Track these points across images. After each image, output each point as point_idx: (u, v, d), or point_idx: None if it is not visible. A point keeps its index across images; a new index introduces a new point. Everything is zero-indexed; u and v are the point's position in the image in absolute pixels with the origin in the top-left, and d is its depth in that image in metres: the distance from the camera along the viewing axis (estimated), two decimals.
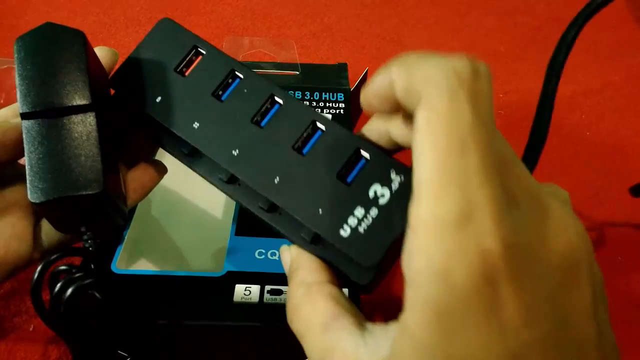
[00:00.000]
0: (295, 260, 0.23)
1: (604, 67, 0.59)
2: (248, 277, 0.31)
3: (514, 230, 0.16)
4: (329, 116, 0.43)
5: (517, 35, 0.64)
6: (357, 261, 0.21)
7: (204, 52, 0.26)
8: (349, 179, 0.22)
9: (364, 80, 0.49)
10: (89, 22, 0.64)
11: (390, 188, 0.21)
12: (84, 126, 0.23)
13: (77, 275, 0.25)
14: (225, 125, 0.24)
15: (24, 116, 0.23)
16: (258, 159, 0.23)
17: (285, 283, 0.23)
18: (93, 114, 0.23)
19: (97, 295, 0.25)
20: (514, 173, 0.17)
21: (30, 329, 0.36)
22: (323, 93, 0.45)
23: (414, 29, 0.65)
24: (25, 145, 0.23)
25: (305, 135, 0.23)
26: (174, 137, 0.25)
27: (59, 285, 0.24)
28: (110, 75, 0.26)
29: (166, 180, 0.30)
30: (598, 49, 0.60)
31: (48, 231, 0.26)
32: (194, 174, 0.26)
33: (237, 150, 0.24)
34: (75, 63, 0.23)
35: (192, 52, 0.26)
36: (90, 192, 0.22)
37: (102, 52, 0.26)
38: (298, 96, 0.45)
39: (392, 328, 0.18)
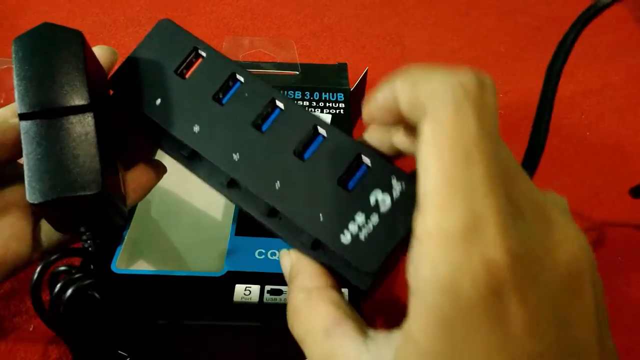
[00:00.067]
0: (296, 265, 0.23)
1: (604, 67, 0.59)
2: (248, 277, 0.31)
3: (519, 241, 0.16)
4: (329, 117, 0.43)
5: (517, 35, 0.64)
6: (358, 268, 0.21)
7: (204, 55, 0.25)
8: (349, 185, 0.22)
9: (364, 80, 0.49)
10: (89, 22, 0.64)
11: (391, 195, 0.21)
12: (82, 127, 0.23)
13: (76, 275, 0.25)
14: (226, 129, 0.24)
15: (22, 117, 0.22)
16: (259, 163, 0.23)
17: (285, 283, 0.23)
18: (91, 114, 0.23)
19: (96, 295, 0.25)
20: (518, 183, 0.17)
21: (30, 329, 0.36)
22: (323, 93, 0.45)
23: (414, 29, 0.65)
24: (23, 146, 0.22)
25: (306, 140, 0.23)
26: (174, 140, 0.25)
27: (58, 285, 0.24)
28: (110, 75, 0.26)
29: (166, 180, 0.30)
30: (598, 49, 0.60)
31: (47, 231, 0.26)
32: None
33: (237, 155, 0.24)
34: (74, 63, 0.23)
35: (192, 54, 0.25)
36: (88, 193, 0.22)
37: (101, 51, 0.26)
38: (298, 96, 0.45)
39: (396, 336, 0.18)
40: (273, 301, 0.30)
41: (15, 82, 0.23)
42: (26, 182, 0.22)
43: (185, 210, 0.39)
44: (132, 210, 0.36)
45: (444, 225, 0.16)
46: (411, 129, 0.20)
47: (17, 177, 0.25)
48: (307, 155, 0.23)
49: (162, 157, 0.28)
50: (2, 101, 0.48)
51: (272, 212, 0.24)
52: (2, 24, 0.63)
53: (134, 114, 0.26)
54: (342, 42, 0.63)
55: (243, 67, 0.25)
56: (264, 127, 0.24)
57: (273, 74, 0.48)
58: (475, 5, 0.68)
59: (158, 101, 0.25)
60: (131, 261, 0.34)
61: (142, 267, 0.34)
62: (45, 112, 0.23)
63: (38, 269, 0.24)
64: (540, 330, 0.16)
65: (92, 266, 0.25)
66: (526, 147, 0.26)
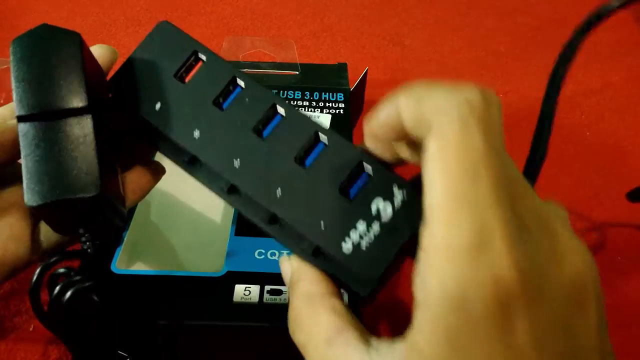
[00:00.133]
0: (297, 271, 0.23)
1: (604, 67, 0.59)
2: (248, 277, 0.31)
3: (526, 255, 0.17)
4: (329, 117, 0.43)
5: (517, 35, 0.64)
6: (359, 276, 0.21)
7: (204, 58, 0.25)
8: (351, 193, 0.22)
9: (364, 80, 0.49)
10: (89, 22, 0.64)
11: (392, 203, 0.21)
12: (80, 129, 0.23)
13: (76, 278, 0.25)
14: (227, 135, 0.24)
15: (20, 119, 0.22)
16: (260, 170, 0.23)
17: (285, 283, 0.23)
18: (89, 116, 0.23)
19: (95, 298, 0.25)
20: (522, 196, 0.18)
21: (30, 329, 0.36)
22: (323, 93, 0.45)
23: (414, 29, 0.65)
24: (21, 149, 0.22)
25: (307, 147, 0.23)
26: (174, 145, 0.25)
27: (57, 288, 0.24)
28: (109, 75, 0.26)
29: (166, 181, 0.30)
30: (598, 49, 0.60)
31: (47, 232, 0.26)
32: None
33: (238, 161, 0.24)
34: (72, 65, 0.23)
35: (192, 58, 0.25)
36: (87, 195, 0.22)
37: (101, 51, 0.26)
38: (298, 96, 0.45)
39: (399, 346, 0.18)
40: (273, 301, 0.30)
41: (13, 84, 0.23)
42: (24, 184, 0.22)
43: (185, 210, 0.39)
44: (132, 210, 0.36)
45: (451, 239, 0.16)
46: (415, 147, 0.20)
47: (16, 177, 0.25)
48: (308, 162, 0.23)
49: (162, 158, 0.28)
50: (2, 101, 0.48)
51: (273, 219, 0.23)
52: (2, 24, 0.63)
53: (133, 118, 0.25)
54: (342, 42, 0.63)
55: (243, 71, 0.25)
56: (265, 133, 0.24)
57: (273, 74, 0.48)
58: (475, 5, 0.68)
59: (157, 105, 0.25)
60: (131, 261, 0.34)
61: (142, 267, 0.34)
62: (43, 114, 0.22)
63: (37, 271, 0.24)
64: (545, 344, 0.16)
65: (91, 269, 0.25)
66: (527, 155, 0.26)
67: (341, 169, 0.22)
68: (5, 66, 0.48)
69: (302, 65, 0.48)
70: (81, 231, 0.24)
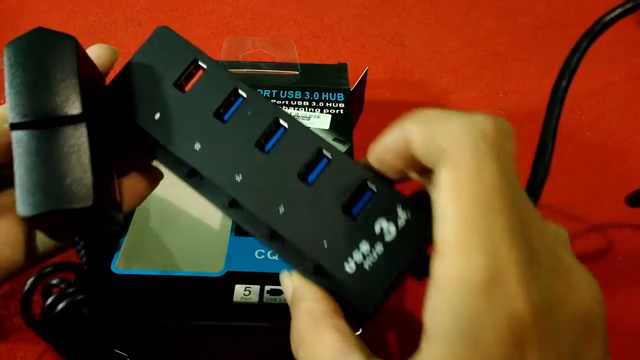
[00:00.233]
0: (299, 289, 0.23)
1: (604, 67, 0.59)
2: (248, 277, 0.31)
3: (539, 290, 0.17)
4: (329, 117, 0.43)
5: (517, 35, 0.64)
6: (362, 298, 0.21)
7: (204, 67, 0.25)
8: (354, 212, 0.22)
9: (364, 80, 0.49)
10: (89, 22, 0.64)
11: (396, 224, 0.21)
12: (74, 137, 0.22)
13: (69, 290, 0.24)
14: (228, 148, 0.23)
15: (13, 126, 0.22)
16: (262, 185, 0.23)
17: (286, 300, 0.23)
18: (84, 124, 0.22)
19: (86, 311, 0.25)
20: (532, 227, 0.17)
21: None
22: (323, 93, 0.45)
23: (414, 29, 0.65)
24: (14, 157, 0.22)
25: (310, 162, 0.23)
26: (174, 157, 0.24)
27: (50, 299, 0.24)
28: (109, 76, 0.26)
29: (166, 180, 0.30)
30: (598, 49, 0.60)
31: (43, 237, 0.26)
32: None
33: (240, 176, 0.23)
34: (66, 71, 0.22)
35: (192, 66, 0.25)
36: (80, 206, 0.21)
37: (101, 50, 0.25)
38: (298, 96, 0.45)
39: None
40: (273, 301, 0.30)
41: (6, 89, 0.22)
42: (16, 194, 0.22)
43: (185, 210, 0.39)
44: (132, 210, 0.36)
45: (465, 272, 0.16)
46: (423, 172, 0.20)
47: (11, 181, 0.25)
48: (311, 178, 0.23)
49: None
50: (2, 101, 0.48)
51: (275, 235, 0.23)
52: (2, 24, 0.63)
53: (131, 127, 0.25)
54: (342, 42, 0.63)
55: (245, 81, 0.24)
56: (267, 147, 0.23)
57: (273, 74, 0.48)
58: (475, 5, 0.68)
59: (157, 116, 0.24)
60: (131, 261, 0.34)
61: (142, 267, 0.34)
62: (37, 122, 0.22)
63: (30, 280, 0.24)
64: None
65: (85, 281, 0.24)
66: (529, 174, 0.26)
67: (345, 187, 0.22)
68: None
69: (302, 65, 0.48)
70: (76, 239, 0.24)
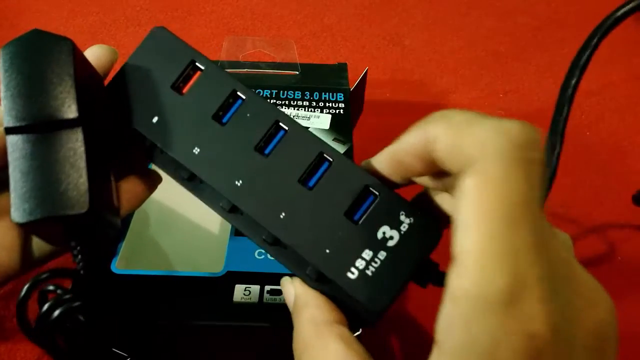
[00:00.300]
0: (302, 296, 0.22)
1: (604, 67, 0.59)
2: (248, 277, 0.31)
3: (558, 310, 0.16)
4: (329, 117, 0.43)
5: (517, 35, 0.64)
6: (365, 305, 0.21)
7: (202, 68, 0.24)
8: (356, 218, 0.22)
9: (364, 80, 0.49)
10: (89, 22, 0.64)
11: (399, 231, 0.21)
12: (70, 142, 0.22)
13: (65, 297, 0.24)
14: (228, 152, 0.23)
15: (8, 131, 0.21)
16: (263, 190, 0.22)
17: (288, 306, 0.23)
18: (80, 128, 0.22)
19: (82, 319, 0.25)
20: (550, 240, 0.17)
21: None
22: (323, 93, 0.45)
23: (414, 29, 0.65)
24: (9, 162, 0.21)
25: (311, 166, 0.22)
26: (173, 161, 0.24)
27: (46, 305, 0.24)
28: (108, 76, 0.26)
29: (166, 181, 0.29)
30: (598, 49, 0.60)
31: (39, 241, 0.25)
32: None
33: (240, 181, 0.23)
34: (62, 74, 0.22)
35: (190, 67, 0.24)
36: (75, 212, 0.21)
37: (100, 51, 0.25)
38: (298, 96, 0.45)
39: None
40: (273, 301, 0.30)
41: (2, 93, 0.22)
42: (11, 200, 0.21)
43: (185, 210, 0.39)
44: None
45: (484, 287, 0.16)
46: (438, 172, 0.20)
47: (7, 184, 0.25)
48: (312, 182, 0.22)
49: None
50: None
51: (276, 241, 0.23)
52: (2, 24, 0.63)
53: (129, 130, 0.24)
54: (342, 42, 0.63)
55: (244, 81, 0.24)
56: (267, 151, 0.23)
57: (273, 74, 0.48)
58: (475, 5, 0.68)
59: (155, 119, 0.24)
60: (131, 261, 0.34)
61: (142, 267, 0.34)
62: (32, 126, 0.21)
63: (26, 286, 0.24)
64: None
65: (81, 288, 0.24)
66: None
67: (347, 192, 0.22)
68: None
69: (302, 65, 0.48)
70: (73, 244, 0.24)
